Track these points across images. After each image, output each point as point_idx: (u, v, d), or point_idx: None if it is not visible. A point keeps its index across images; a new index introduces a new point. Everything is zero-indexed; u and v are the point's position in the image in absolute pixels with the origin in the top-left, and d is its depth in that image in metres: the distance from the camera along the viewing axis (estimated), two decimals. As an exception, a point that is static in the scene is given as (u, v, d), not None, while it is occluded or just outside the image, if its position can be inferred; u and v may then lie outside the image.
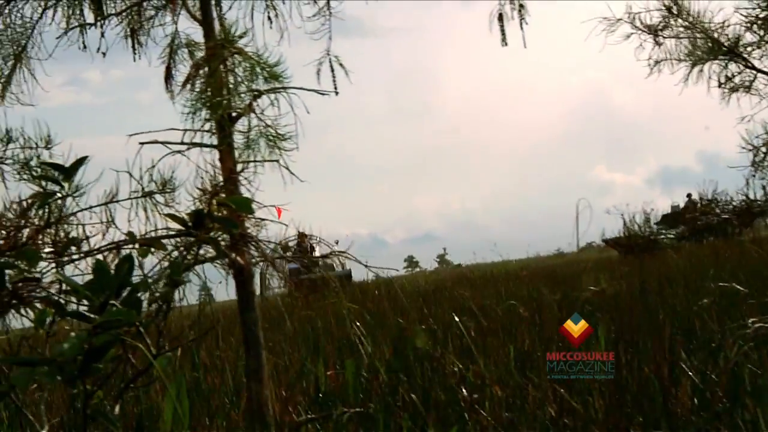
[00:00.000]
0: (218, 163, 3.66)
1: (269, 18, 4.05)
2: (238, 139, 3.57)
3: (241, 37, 3.44)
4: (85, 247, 3.42)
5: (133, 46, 4.14)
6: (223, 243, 3.33)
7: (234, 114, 3.65)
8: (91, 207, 3.33)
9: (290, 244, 3.74)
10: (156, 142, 3.71)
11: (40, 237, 3.39)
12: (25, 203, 3.31)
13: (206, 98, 3.51)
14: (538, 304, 5.55)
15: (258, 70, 3.37)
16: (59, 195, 3.13)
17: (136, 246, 3.33)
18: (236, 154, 3.65)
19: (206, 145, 3.70)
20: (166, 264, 3.20)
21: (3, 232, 3.44)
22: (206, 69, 3.55)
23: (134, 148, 3.40)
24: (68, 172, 3.09)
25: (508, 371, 4.30)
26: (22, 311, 3.31)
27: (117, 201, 3.38)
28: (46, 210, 3.20)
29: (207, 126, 3.71)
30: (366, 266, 3.77)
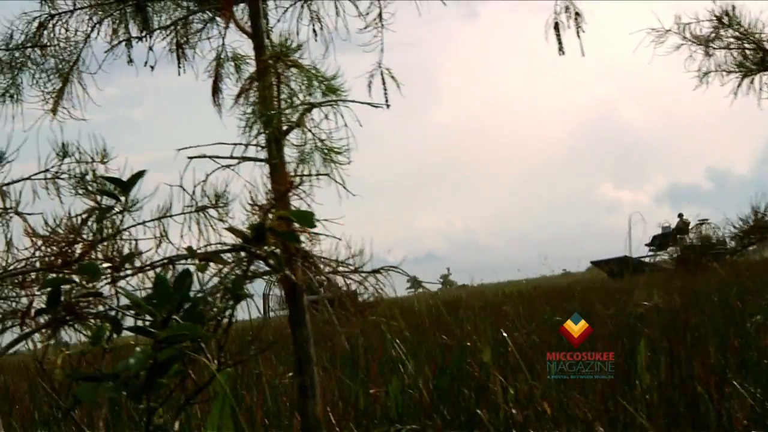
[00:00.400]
0: (269, 178, 3.62)
1: (314, 31, 4.02)
2: (289, 152, 3.53)
3: (296, 49, 3.40)
4: (137, 262, 3.38)
5: (178, 60, 4.11)
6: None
7: (285, 128, 3.62)
8: (144, 222, 3.28)
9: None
10: (204, 156, 3.67)
11: (93, 252, 3.35)
12: (79, 218, 3.27)
13: (260, 112, 3.48)
14: (589, 320, 5.47)
15: (315, 83, 3.33)
16: (117, 209, 3.09)
17: (190, 261, 3.29)
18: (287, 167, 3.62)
19: (257, 159, 3.67)
20: (216, 278, 3.15)
21: (55, 247, 3.40)
22: (259, 82, 3.51)
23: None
24: (126, 186, 3.05)
25: (559, 388, 4.23)
26: (77, 327, 3.28)
27: (170, 216, 3.34)
28: (99, 225, 3.15)
29: (257, 140, 3.68)
30: (418, 282, 3.71)
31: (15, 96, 3.96)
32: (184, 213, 3.36)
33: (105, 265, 3.20)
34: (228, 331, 2.93)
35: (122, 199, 3.09)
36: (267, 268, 3.35)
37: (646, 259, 28.62)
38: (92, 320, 3.21)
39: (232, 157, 3.67)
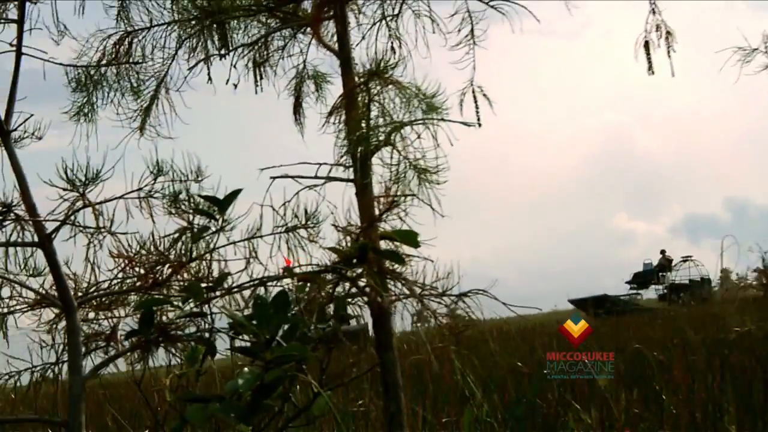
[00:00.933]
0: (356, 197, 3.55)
1: (392, 48, 3.96)
2: (379, 171, 3.46)
3: (393, 66, 3.34)
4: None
5: (255, 79, 4.06)
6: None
7: (372, 147, 3.55)
8: (235, 242, 3.21)
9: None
10: (287, 176, 3.61)
11: (182, 272, 3.29)
12: (169, 238, 3.20)
13: (348, 131, 3.41)
14: (677, 347, 5.33)
15: (415, 101, 3.26)
16: (213, 228, 3.02)
17: (279, 281, 3.22)
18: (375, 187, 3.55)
19: (344, 179, 3.60)
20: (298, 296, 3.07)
21: (140, 269, 3.33)
22: (348, 101, 3.45)
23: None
24: (223, 205, 2.99)
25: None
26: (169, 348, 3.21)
27: (261, 236, 3.26)
28: (193, 244, 3.09)
29: (343, 159, 3.62)
30: (507, 305, 3.62)
31: (90, 115, 3.91)
32: (273, 233, 3.28)
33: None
34: (330, 353, 2.86)
35: (218, 218, 3.02)
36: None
37: (626, 297, 27.80)
38: (186, 342, 3.14)
39: (317, 177, 3.61)
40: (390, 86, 3.33)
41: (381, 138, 3.45)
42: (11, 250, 3.21)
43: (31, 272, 3.28)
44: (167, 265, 3.29)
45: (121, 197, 3.07)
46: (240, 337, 2.87)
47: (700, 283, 27.91)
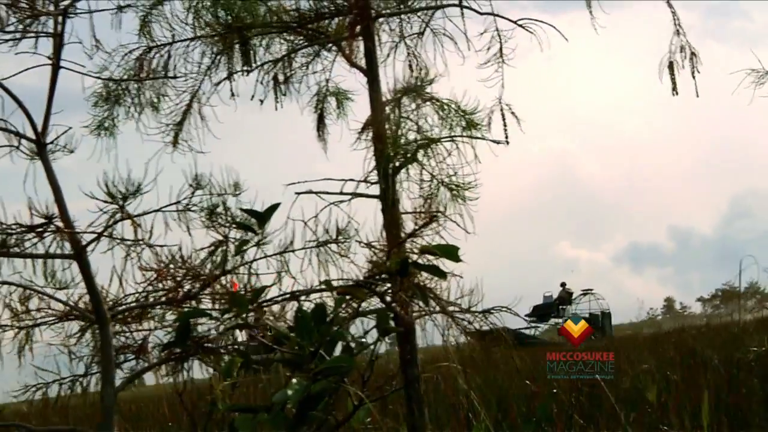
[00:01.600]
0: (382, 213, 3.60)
1: (410, 67, 4.02)
2: (407, 186, 3.52)
3: (430, 83, 3.39)
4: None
5: (276, 95, 4.10)
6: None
7: (399, 164, 3.61)
8: (268, 255, 3.25)
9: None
10: (311, 192, 3.66)
11: (214, 286, 3.32)
12: (206, 251, 3.24)
13: (377, 147, 3.47)
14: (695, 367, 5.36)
15: (455, 117, 3.32)
16: (253, 242, 3.05)
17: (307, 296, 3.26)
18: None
19: (369, 195, 3.65)
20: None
21: (170, 281, 3.36)
22: (377, 117, 3.51)
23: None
24: (263, 218, 3.02)
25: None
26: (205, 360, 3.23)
27: (293, 250, 3.30)
28: (235, 256, 3.12)
29: (369, 175, 3.67)
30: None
31: (110, 129, 3.93)
32: (305, 248, 3.32)
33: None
34: (372, 365, 2.89)
35: (258, 231, 3.05)
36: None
37: (528, 331, 27.49)
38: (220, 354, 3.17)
39: (342, 193, 3.65)
40: (427, 103, 3.38)
41: (409, 155, 3.51)
42: (38, 262, 3.23)
43: (58, 285, 3.30)
44: (199, 278, 3.32)
45: (159, 210, 3.10)
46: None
47: (598, 317, 27.74)
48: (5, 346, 3.41)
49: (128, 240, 3.11)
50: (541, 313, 28.94)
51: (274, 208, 3.07)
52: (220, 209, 3.14)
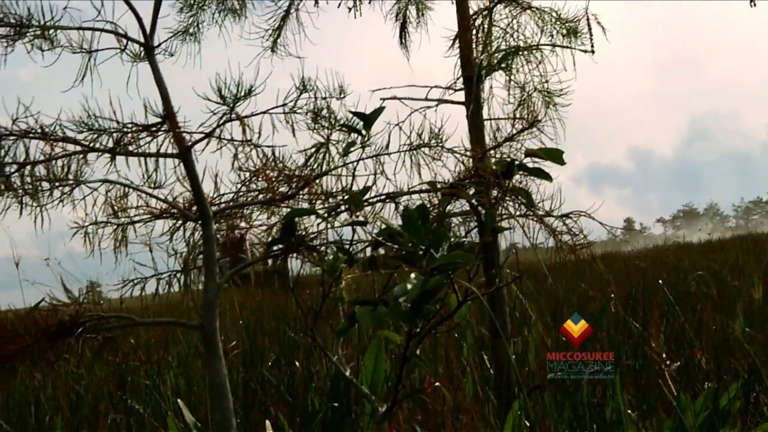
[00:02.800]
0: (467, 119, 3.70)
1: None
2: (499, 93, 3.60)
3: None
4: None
5: (355, 2, 4.14)
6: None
7: (483, 72, 3.69)
8: (364, 158, 3.35)
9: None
10: (395, 98, 3.75)
11: (313, 186, 3.43)
12: (307, 152, 3.35)
13: (468, 54, 3.55)
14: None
15: (556, 26, 3.39)
16: (359, 144, 3.16)
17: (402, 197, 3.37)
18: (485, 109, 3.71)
19: (455, 102, 3.74)
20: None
21: (266, 183, 3.47)
22: (467, 24, 3.58)
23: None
24: (369, 120, 3.12)
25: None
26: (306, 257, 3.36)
27: (388, 153, 3.41)
28: (321, 159, 3.23)
29: (456, 82, 3.76)
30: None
31: (195, 35, 4.00)
32: (400, 151, 3.42)
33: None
34: (479, 262, 3.02)
35: (364, 133, 3.16)
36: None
37: None
38: (322, 252, 3.30)
39: (428, 99, 3.75)
40: (527, 11, 3.46)
41: (496, 62, 3.60)
42: (133, 163, 3.34)
43: (153, 185, 3.41)
44: (299, 179, 3.44)
45: (266, 112, 3.19)
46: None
47: None
48: (103, 242, 3.54)
49: (237, 140, 3.21)
50: None
51: (379, 111, 3.18)
52: (324, 112, 3.23)
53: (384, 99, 3.71)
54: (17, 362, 3.13)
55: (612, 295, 5.07)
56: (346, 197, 3.36)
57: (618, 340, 4.55)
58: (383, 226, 2.95)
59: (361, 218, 3.23)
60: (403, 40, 4.18)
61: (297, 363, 4.30)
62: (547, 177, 3.02)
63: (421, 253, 2.86)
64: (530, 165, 3.08)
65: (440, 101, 3.72)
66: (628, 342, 4.42)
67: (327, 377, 4.13)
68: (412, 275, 2.75)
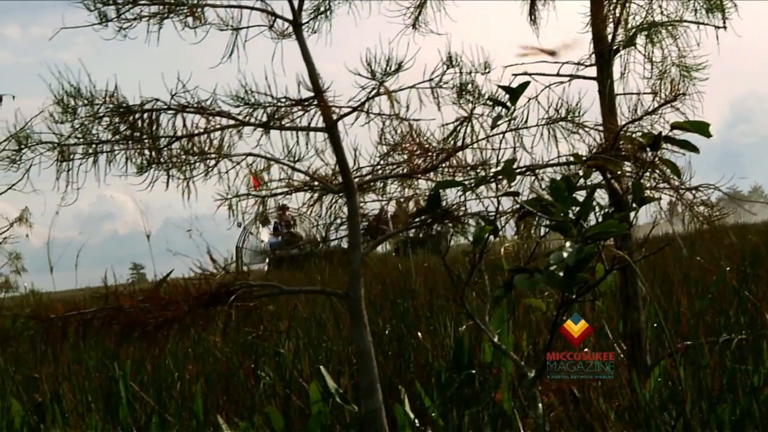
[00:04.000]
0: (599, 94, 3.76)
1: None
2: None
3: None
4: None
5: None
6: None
7: (615, 47, 3.76)
8: (504, 132, 3.43)
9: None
10: (526, 74, 3.82)
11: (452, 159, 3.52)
12: (448, 127, 3.44)
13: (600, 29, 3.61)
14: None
15: (700, 1, 3.44)
16: (505, 117, 3.24)
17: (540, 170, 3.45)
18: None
19: (587, 77, 3.81)
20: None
21: (407, 155, 3.57)
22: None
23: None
24: (516, 93, 3.20)
25: None
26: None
27: (527, 127, 3.48)
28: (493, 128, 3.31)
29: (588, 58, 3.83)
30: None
31: (327, 13, 4.08)
32: (538, 125, 3.49)
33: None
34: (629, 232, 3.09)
35: (510, 106, 3.25)
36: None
37: None
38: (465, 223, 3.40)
39: (560, 75, 3.83)
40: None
41: (630, 35, 3.66)
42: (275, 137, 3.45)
43: (294, 158, 3.53)
44: (432, 153, 3.53)
45: (413, 86, 3.29)
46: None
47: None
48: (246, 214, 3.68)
49: (384, 114, 3.32)
50: None
51: (525, 85, 3.27)
52: (469, 87, 3.32)
53: (515, 75, 3.77)
54: (175, 328, 3.28)
55: (728, 269, 5.09)
56: (491, 170, 3.46)
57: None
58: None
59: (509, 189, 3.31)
60: (533, 17, 4.24)
61: (420, 334, 4.41)
62: (694, 149, 3.07)
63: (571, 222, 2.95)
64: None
65: (572, 77, 3.79)
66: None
67: (449, 348, 4.22)
68: (567, 244, 2.83)
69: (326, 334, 4.77)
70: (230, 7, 3.40)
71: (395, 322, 4.66)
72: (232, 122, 3.31)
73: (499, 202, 3.23)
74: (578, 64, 3.81)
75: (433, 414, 3.59)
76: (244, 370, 4.22)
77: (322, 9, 4.07)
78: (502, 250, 3.12)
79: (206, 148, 3.43)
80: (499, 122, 3.21)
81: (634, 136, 3.14)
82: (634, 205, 3.01)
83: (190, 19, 3.43)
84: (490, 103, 3.26)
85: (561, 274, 2.83)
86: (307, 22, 3.36)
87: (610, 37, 3.79)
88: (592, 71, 3.83)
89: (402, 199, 3.66)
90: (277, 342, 4.45)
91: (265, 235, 24.33)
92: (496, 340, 3.26)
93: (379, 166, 3.61)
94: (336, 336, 4.75)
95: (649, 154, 3.10)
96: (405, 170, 3.53)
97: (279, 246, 23.87)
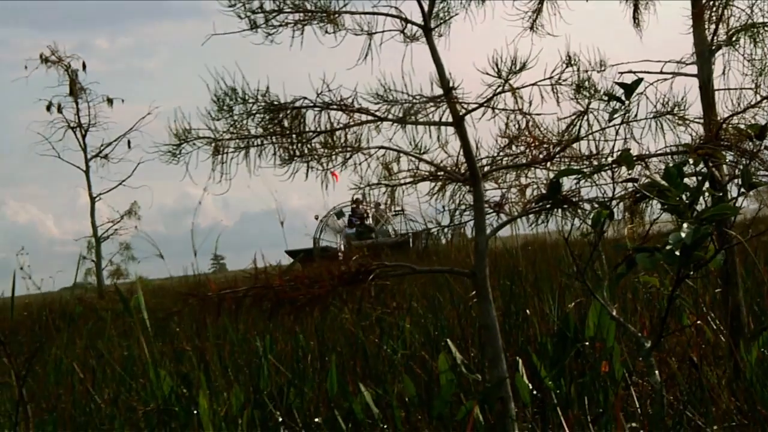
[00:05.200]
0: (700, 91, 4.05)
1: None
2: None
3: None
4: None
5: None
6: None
7: (713, 47, 4.06)
8: (616, 125, 3.74)
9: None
10: (631, 72, 4.12)
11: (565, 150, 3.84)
12: (565, 121, 3.76)
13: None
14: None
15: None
16: (620, 111, 3.56)
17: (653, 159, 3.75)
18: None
19: (687, 75, 4.12)
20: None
21: (524, 147, 3.90)
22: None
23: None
24: (630, 89, 3.53)
25: None
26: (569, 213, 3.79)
27: (636, 120, 3.79)
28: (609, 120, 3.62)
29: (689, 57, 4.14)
30: None
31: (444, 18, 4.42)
32: (646, 118, 3.80)
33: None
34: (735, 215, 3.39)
35: (626, 102, 3.57)
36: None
37: None
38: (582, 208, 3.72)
39: (662, 73, 4.14)
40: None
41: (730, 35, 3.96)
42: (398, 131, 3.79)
43: (420, 151, 3.88)
44: (546, 144, 3.86)
45: (535, 84, 3.63)
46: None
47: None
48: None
49: (509, 109, 3.66)
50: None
51: (638, 82, 3.58)
52: (586, 84, 3.64)
53: (621, 73, 4.07)
54: (324, 303, 3.64)
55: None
56: (603, 159, 3.77)
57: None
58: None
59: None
60: (636, 19, 4.54)
61: (528, 311, 4.72)
62: (796, 139, 3.36)
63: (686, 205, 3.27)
64: None
65: (675, 74, 4.10)
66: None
67: (555, 322, 4.53)
68: (684, 225, 3.14)
69: (442, 312, 5.11)
70: (367, 13, 3.76)
71: (507, 299, 4.96)
72: (371, 118, 3.66)
73: (614, 188, 3.54)
74: (679, 62, 4.12)
75: (550, 383, 3.91)
76: (371, 343, 4.58)
77: (440, 15, 4.44)
78: (626, 231, 3.46)
79: (343, 142, 3.78)
80: (615, 115, 3.53)
81: (739, 126, 3.43)
82: (742, 189, 3.31)
83: (329, 26, 3.79)
84: (605, 98, 3.57)
85: (677, 252, 3.15)
86: (438, 26, 3.71)
87: (710, 37, 4.09)
88: (693, 69, 4.13)
89: (520, 187, 3.98)
90: (399, 318, 4.82)
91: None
92: (614, 313, 3.57)
93: (498, 157, 3.93)
94: (451, 314, 5.10)
95: (755, 143, 3.39)
96: (525, 160, 3.84)
97: (353, 236, 24.57)
